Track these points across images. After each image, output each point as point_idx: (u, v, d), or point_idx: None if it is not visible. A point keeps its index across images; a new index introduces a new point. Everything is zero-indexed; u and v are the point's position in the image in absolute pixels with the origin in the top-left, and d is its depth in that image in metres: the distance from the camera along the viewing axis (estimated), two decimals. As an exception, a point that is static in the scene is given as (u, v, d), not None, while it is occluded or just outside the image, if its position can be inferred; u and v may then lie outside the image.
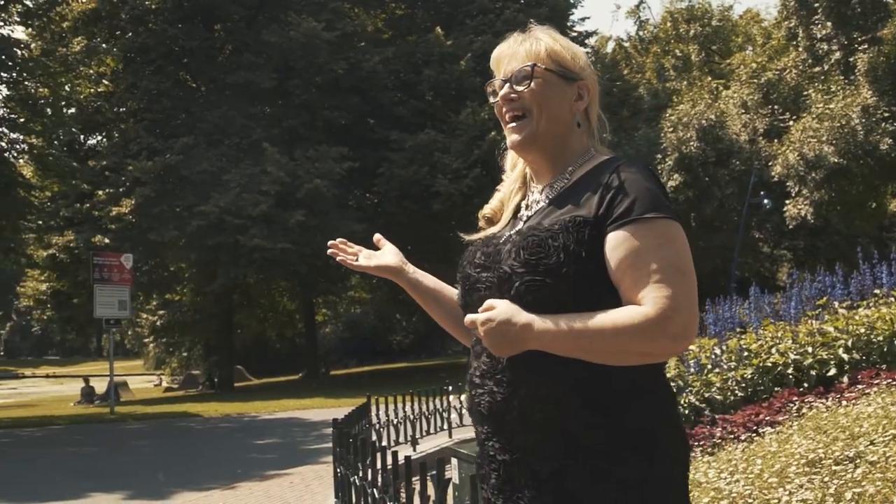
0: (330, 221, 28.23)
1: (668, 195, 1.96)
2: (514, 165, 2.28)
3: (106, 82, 29.80)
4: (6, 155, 23.78)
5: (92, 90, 28.45)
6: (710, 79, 39.40)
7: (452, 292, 2.36)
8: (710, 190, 30.84)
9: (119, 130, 31.23)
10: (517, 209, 2.20)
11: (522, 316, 1.83)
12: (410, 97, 32.18)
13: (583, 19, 70.52)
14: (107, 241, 28.14)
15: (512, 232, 2.08)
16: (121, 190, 28.88)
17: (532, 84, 2.08)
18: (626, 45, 49.95)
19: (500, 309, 1.83)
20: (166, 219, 28.43)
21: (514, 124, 2.11)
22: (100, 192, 29.01)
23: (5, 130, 23.69)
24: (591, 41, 42.19)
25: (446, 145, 29.73)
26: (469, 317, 1.87)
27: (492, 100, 2.19)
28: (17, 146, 24.45)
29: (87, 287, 26.18)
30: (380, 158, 30.69)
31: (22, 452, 15.35)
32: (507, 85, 2.12)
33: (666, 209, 1.89)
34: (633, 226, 1.87)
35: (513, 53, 2.14)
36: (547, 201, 2.08)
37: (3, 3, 22.85)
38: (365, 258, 2.49)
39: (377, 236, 2.57)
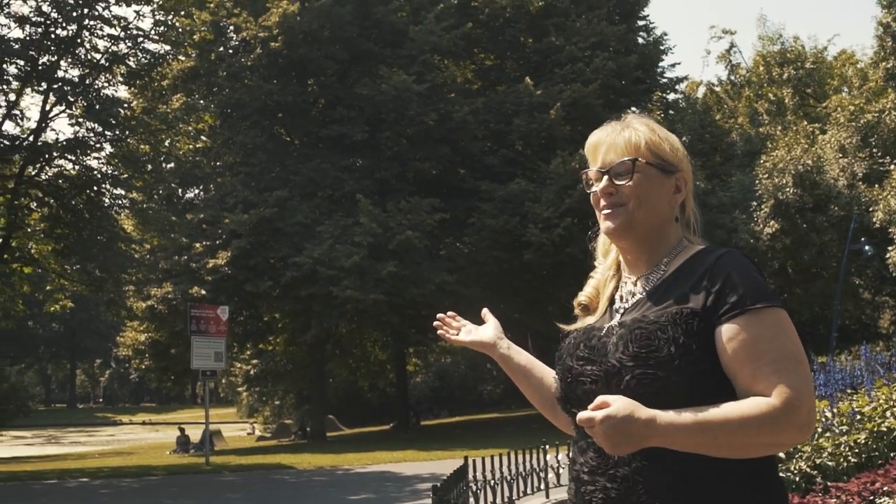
0: (421, 272, 28.40)
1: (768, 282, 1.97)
2: (606, 252, 2.27)
3: (204, 138, 30.69)
4: (109, 210, 24.55)
5: (191, 146, 29.31)
6: (805, 123, 38.63)
7: (545, 371, 2.36)
8: (809, 237, 30.12)
9: (216, 184, 32.06)
10: (612, 299, 2.17)
11: (643, 411, 1.78)
12: (500, 147, 32.30)
13: (673, 65, 69.72)
14: (203, 292, 28.78)
15: (613, 324, 2.06)
16: (217, 242, 29.59)
17: (632, 179, 2.07)
18: (717, 89, 49.35)
19: (619, 405, 1.78)
20: (261, 270, 28.96)
21: (609, 211, 2.10)
22: (197, 245, 29.74)
23: (108, 187, 24.49)
24: (682, 87, 41.90)
25: (537, 195, 29.68)
26: (584, 414, 1.80)
27: (588, 189, 2.17)
28: (120, 202, 25.24)
29: (185, 337, 26.71)
30: (470, 208, 30.80)
31: (122, 504, 15.62)
32: (606, 178, 2.11)
33: (774, 298, 1.90)
34: (745, 317, 1.87)
35: (611, 143, 2.13)
36: (644, 293, 2.07)
37: (107, 64, 23.73)
38: (465, 333, 2.52)
39: (484, 311, 2.58)
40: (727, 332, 1.87)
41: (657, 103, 36.02)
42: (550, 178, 29.87)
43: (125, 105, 24.86)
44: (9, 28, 22.43)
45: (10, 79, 22.92)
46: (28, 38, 22.99)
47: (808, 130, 36.41)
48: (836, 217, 30.12)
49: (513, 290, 31.59)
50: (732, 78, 49.91)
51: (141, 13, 24.03)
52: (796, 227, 29.97)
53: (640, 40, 37.42)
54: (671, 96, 39.76)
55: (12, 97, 23.38)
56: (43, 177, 24.38)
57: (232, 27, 32.73)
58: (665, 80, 38.15)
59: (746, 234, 29.63)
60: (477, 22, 34.12)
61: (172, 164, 29.88)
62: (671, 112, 36.89)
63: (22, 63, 22.28)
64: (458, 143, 32.00)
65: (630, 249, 2.13)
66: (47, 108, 23.64)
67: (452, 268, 30.11)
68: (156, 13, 23.91)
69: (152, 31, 23.90)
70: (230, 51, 33.48)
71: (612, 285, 2.20)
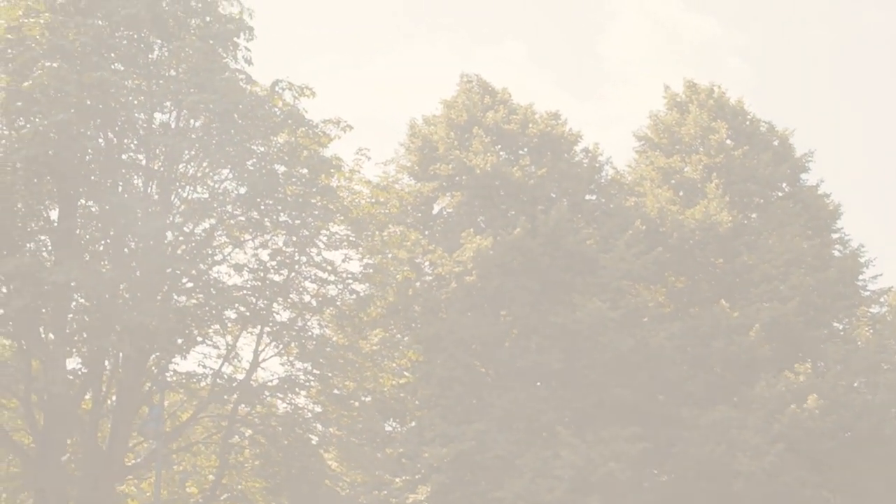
0: (626, 507, 27.39)
1: None
2: None
3: (406, 374, 31.23)
4: (317, 448, 25.03)
5: (393, 382, 29.84)
6: None
7: None
8: None
9: (414, 417, 32.32)
10: None
11: None
12: (700, 371, 31.54)
13: (874, 277, 66.38)
14: (403, 528, 28.44)
15: None
16: (416, 477, 29.47)
17: None
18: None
19: None
20: (462, 505, 28.55)
21: None
22: (397, 480, 29.67)
23: (319, 426, 25.08)
24: (886, 299, 39.92)
25: (742, 421, 28.61)
26: None
27: None
28: (326, 439, 25.71)
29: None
30: (672, 436, 29.87)
31: None
32: None
33: None
34: None
35: None
36: None
37: (317, 306, 24.85)
38: None
39: None
40: None
41: (863, 318, 34.40)
42: (756, 402, 28.88)
43: (331, 343, 25.77)
44: (229, 275, 23.93)
45: (229, 323, 24.28)
46: (245, 283, 24.47)
47: None
48: None
49: (724, 522, 29.86)
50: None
51: (348, 256, 25.37)
52: None
53: (836, 253, 36.38)
54: (874, 309, 37.86)
55: (230, 340, 24.70)
56: (254, 415, 25.23)
57: (427, 263, 33.90)
58: (868, 293, 36.57)
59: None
60: (666, 246, 34.07)
61: (371, 398, 30.45)
62: (879, 327, 35.09)
63: (242, 308, 23.60)
64: (656, 369, 31.35)
65: None
66: (260, 348, 24.80)
67: (657, 500, 28.86)
68: (364, 256, 25.15)
69: (360, 273, 25.04)
70: (426, 286, 34.45)
71: None
